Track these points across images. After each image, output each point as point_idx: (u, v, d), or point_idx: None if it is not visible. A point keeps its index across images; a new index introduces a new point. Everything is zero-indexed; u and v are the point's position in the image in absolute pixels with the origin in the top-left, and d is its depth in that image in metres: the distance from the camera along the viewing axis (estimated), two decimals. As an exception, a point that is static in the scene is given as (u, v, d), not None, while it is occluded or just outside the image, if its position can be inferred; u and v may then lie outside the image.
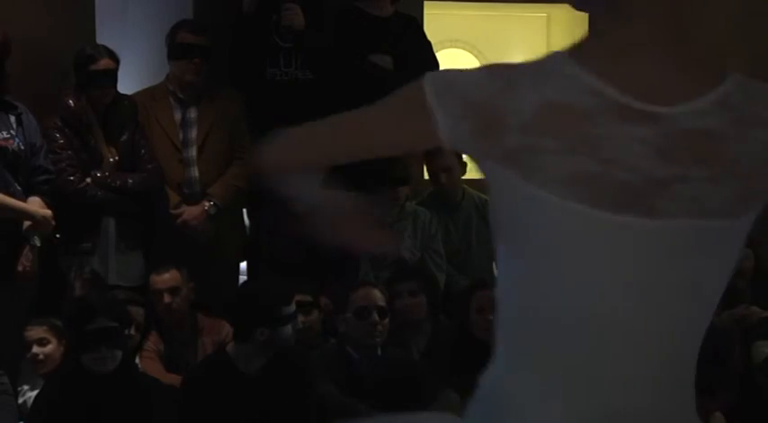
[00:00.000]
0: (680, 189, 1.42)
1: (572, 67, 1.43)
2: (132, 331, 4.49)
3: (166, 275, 4.78)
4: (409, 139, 1.56)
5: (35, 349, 4.49)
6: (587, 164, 1.41)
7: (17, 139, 4.66)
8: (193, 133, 5.27)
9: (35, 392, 4.35)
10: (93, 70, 4.93)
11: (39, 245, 4.64)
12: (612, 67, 1.43)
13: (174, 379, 4.40)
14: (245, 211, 5.46)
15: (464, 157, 5.68)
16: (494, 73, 1.49)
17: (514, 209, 1.47)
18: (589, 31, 1.47)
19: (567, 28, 6.72)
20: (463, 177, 5.71)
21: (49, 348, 4.50)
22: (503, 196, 1.48)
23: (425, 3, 6.14)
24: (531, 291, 1.51)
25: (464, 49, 6.75)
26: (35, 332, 4.52)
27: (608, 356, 1.50)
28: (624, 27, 1.44)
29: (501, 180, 1.47)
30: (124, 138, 5.06)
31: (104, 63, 4.94)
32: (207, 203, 5.19)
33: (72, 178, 4.91)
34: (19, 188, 4.63)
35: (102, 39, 5.29)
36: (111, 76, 4.99)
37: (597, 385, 1.51)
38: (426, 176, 5.80)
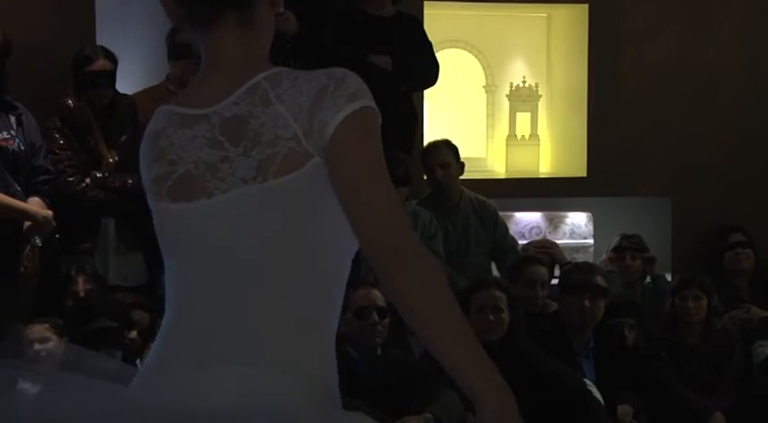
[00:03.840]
0: (224, 168, 1.78)
1: (168, 105, 1.91)
2: (135, 335, 4.48)
3: None
4: None
5: (36, 346, 4.49)
6: (161, 168, 1.85)
7: (17, 140, 4.66)
8: (193, 133, 5.27)
9: (35, 391, 4.35)
10: (90, 71, 4.93)
11: (40, 245, 4.65)
12: (184, 94, 1.93)
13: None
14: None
15: (461, 156, 5.69)
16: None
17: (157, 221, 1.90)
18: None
19: (567, 28, 6.72)
20: (461, 178, 5.71)
21: (50, 345, 4.49)
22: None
23: (425, 3, 6.14)
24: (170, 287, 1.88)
25: (464, 49, 6.74)
26: (36, 330, 4.52)
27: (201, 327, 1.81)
28: (198, 63, 1.89)
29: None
30: (124, 138, 5.07)
31: (100, 64, 4.94)
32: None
33: (71, 179, 4.91)
34: (19, 188, 4.63)
35: (102, 39, 5.29)
36: (108, 76, 4.98)
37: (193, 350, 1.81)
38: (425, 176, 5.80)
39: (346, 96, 1.74)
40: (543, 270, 5.23)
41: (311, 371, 1.78)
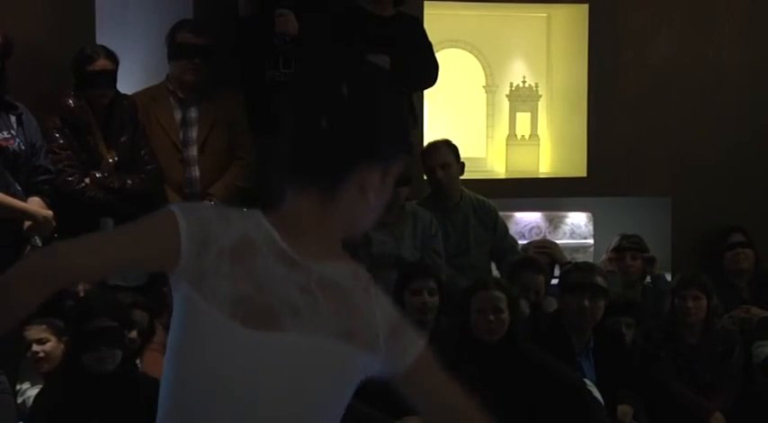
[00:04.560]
0: (307, 314, 1.80)
1: (262, 217, 1.85)
2: (135, 335, 4.48)
3: None
4: (152, 256, 1.83)
5: (35, 347, 4.49)
6: (247, 289, 1.79)
7: (18, 139, 4.66)
8: (194, 133, 5.27)
9: (35, 391, 4.35)
10: (90, 71, 4.93)
11: (40, 245, 4.64)
12: (281, 224, 1.84)
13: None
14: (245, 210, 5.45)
15: (461, 156, 5.69)
16: (219, 209, 1.89)
17: (188, 321, 1.82)
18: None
19: (567, 28, 6.72)
20: (461, 178, 5.71)
21: (48, 346, 4.50)
22: (184, 313, 1.82)
23: (425, 3, 6.14)
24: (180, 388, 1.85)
25: (464, 49, 6.74)
26: (34, 331, 4.53)
27: None
28: (291, 202, 1.85)
29: (185, 299, 1.81)
30: (124, 138, 5.06)
31: (101, 64, 4.94)
32: (207, 203, 5.19)
33: (71, 178, 4.91)
34: (19, 188, 4.63)
35: (102, 39, 5.29)
36: (109, 76, 4.98)
37: None
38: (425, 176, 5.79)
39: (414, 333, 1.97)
40: (540, 278, 5.23)
41: None
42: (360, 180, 1.82)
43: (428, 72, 5.53)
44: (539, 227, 6.72)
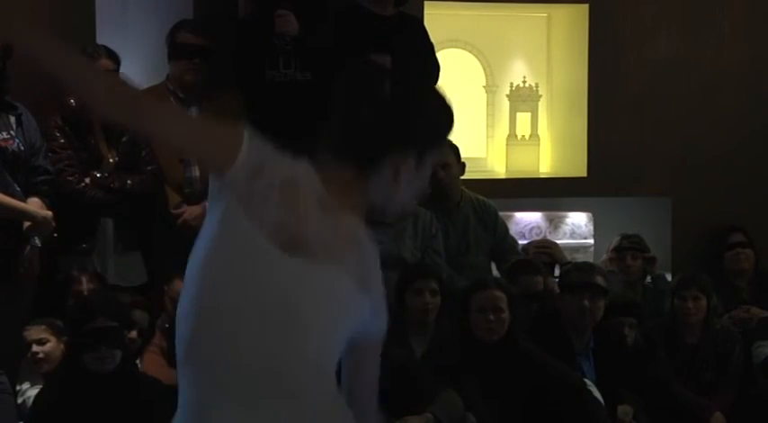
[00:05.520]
0: (336, 253, 2.07)
1: (311, 168, 2.11)
2: (135, 335, 4.48)
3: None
4: (215, 146, 2.08)
5: (35, 348, 4.49)
6: (289, 220, 2.04)
7: (17, 140, 4.66)
8: (194, 133, 5.27)
9: (35, 391, 4.35)
10: None
11: (39, 245, 4.64)
12: (324, 179, 2.10)
13: (174, 374, 4.39)
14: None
15: (462, 156, 5.69)
16: (275, 148, 2.11)
17: (225, 235, 2.06)
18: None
19: (567, 28, 6.72)
20: (461, 178, 5.71)
21: (48, 347, 4.50)
22: (224, 226, 2.05)
23: (425, 3, 6.14)
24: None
25: (464, 49, 6.74)
26: (34, 332, 4.53)
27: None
28: (334, 169, 2.12)
29: (228, 212, 2.05)
30: (124, 138, 5.06)
31: (102, 64, 4.93)
32: (207, 203, 5.18)
33: (71, 178, 4.91)
34: (18, 189, 4.63)
35: (102, 39, 5.29)
36: None
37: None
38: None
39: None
40: (538, 279, 5.23)
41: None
42: (394, 164, 2.09)
43: (429, 72, 5.52)
44: (539, 227, 6.72)
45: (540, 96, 6.75)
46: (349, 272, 2.07)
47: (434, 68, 5.55)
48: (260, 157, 2.05)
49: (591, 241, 6.72)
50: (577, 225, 6.76)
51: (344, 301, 2.07)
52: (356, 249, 2.09)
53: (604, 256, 6.14)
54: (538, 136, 6.74)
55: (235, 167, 2.03)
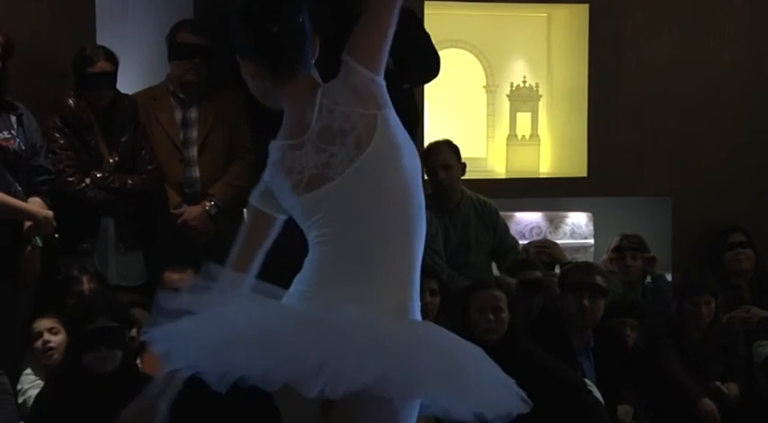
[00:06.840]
0: (334, 161, 2.59)
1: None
2: (134, 333, 4.49)
3: (181, 275, 4.75)
4: None
5: (46, 336, 4.47)
6: (294, 178, 2.64)
7: (18, 140, 4.66)
8: (194, 133, 5.27)
9: (35, 391, 4.35)
10: (90, 73, 4.93)
11: (40, 245, 4.65)
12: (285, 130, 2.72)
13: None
14: (245, 210, 5.45)
15: (462, 156, 5.69)
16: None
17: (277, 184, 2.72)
18: None
19: (567, 28, 6.72)
20: (462, 178, 5.71)
21: (59, 338, 4.49)
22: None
23: (426, 2, 6.14)
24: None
25: (464, 49, 6.74)
26: (45, 322, 4.52)
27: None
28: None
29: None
30: (124, 138, 5.06)
31: (101, 65, 4.93)
32: (208, 203, 5.19)
33: (71, 179, 4.91)
34: (20, 188, 4.63)
35: (102, 39, 5.29)
36: (108, 78, 4.98)
37: None
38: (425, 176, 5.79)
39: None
40: (537, 274, 5.23)
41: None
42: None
43: (428, 64, 5.46)
44: (539, 227, 6.72)
45: (541, 96, 6.75)
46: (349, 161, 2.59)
47: (432, 58, 5.44)
48: None
49: (591, 241, 6.72)
50: (577, 225, 6.76)
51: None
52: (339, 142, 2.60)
53: (604, 256, 6.14)
54: (538, 136, 6.74)
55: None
